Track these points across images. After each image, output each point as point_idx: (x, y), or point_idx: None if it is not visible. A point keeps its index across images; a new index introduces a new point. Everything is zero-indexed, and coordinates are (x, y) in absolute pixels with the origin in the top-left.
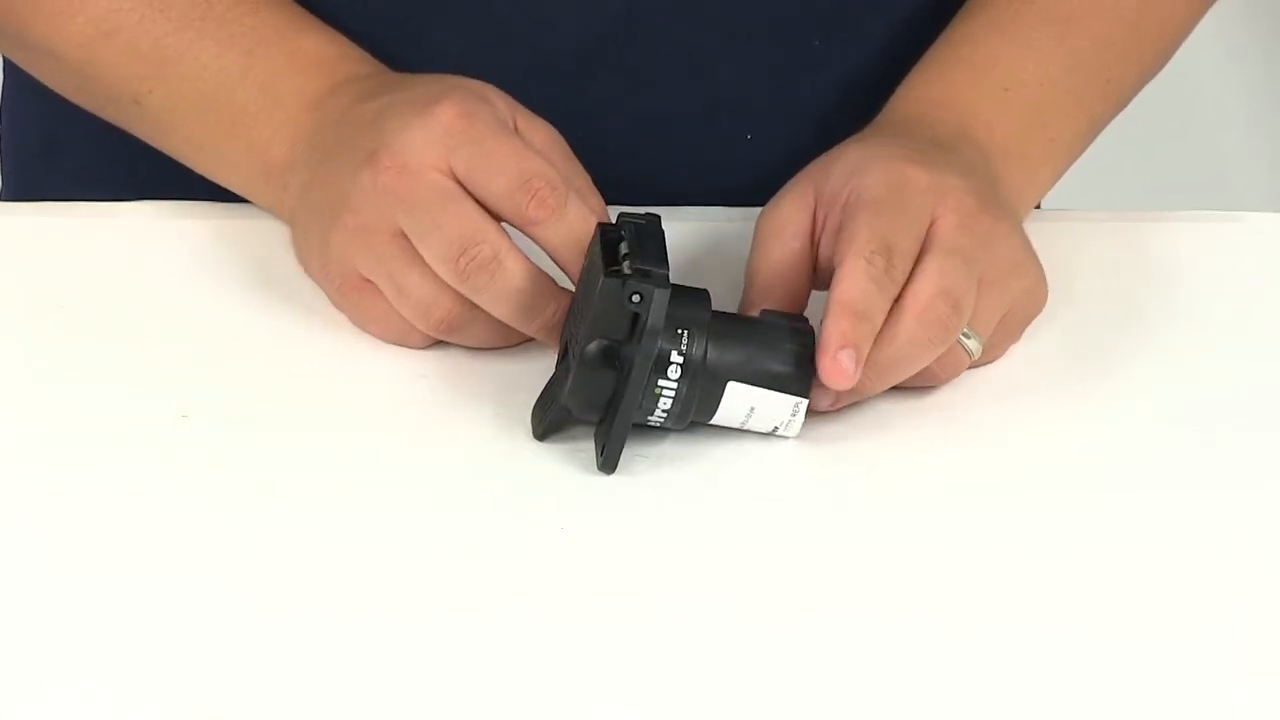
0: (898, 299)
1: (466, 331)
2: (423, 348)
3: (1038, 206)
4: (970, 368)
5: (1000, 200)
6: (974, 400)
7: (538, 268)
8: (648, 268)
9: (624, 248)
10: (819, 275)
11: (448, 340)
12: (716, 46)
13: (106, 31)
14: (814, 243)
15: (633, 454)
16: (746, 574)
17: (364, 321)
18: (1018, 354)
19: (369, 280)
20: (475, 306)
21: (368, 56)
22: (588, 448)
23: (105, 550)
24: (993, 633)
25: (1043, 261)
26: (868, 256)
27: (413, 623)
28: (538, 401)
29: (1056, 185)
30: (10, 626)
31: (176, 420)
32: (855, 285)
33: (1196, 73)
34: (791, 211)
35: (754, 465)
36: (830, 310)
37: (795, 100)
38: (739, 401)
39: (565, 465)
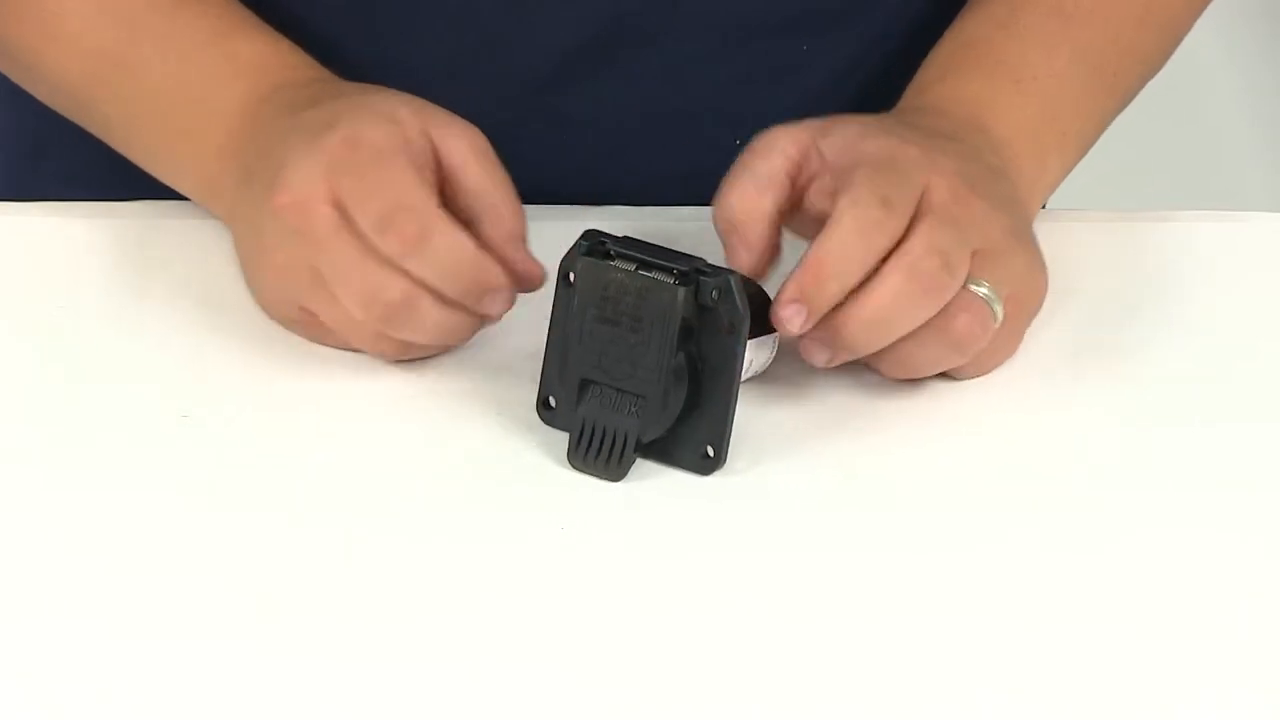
0: (886, 256)
1: (422, 350)
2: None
3: (1042, 204)
4: (972, 373)
5: (997, 191)
6: (974, 400)
7: (451, 300)
8: (693, 266)
9: (626, 264)
10: (801, 221)
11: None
12: (705, 50)
13: (53, 35)
14: (795, 173)
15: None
16: (746, 574)
17: (319, 342)
18: (1015, 353)
19: (311, 311)
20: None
21: (305, 60)
22: None
23: (105, 549)
24: (994, 632)
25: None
26: (864, 205)
27: (413, 622)
28: (580, 451)
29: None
30: (9, 625)
31: (177, 420)
32: (834, 240)
33: (1196, 73)
34: (785, 141)
35: (753, 464)
36: (801, 260)
37: (785, 103)
38: (747, 354)
39: (565, 465)
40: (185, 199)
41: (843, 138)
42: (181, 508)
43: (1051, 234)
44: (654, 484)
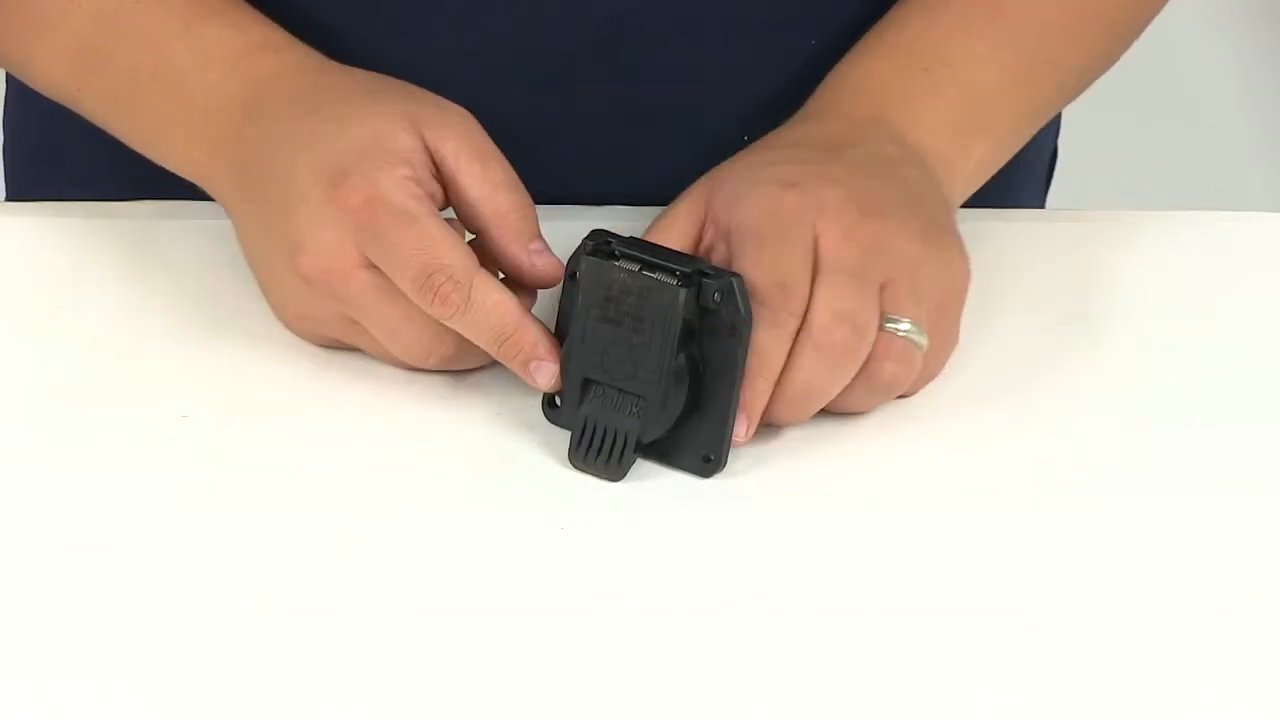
0: (799, 328)
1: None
2: None
3: (1042, 205)
4: (919, 385)
5: (894, 193)
6: (973, 400)
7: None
8: (696, 268)
9: (630, 265)
10: None
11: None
12: (708, 48)
13: (38, 32)
14: (694, 246)
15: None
16: (746, 574)
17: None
18: (1016, 353)
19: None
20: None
21: (273, 41)
22: None
23: (105, 549)
24: (994, 632)
25: (1043, 261)
26: (762, 295)
27: (413, 622)
28: (580, 450)
29: (1058, 185)
30: (9, 625)
31: (177, 420)
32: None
33: (1197, 73)
34: (681, 219)
35: (753, 465)
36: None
37: (790, 99)
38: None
39: (565, 465)
40: (186, 199)
41: (726, 197)
42: (181, 508)
43: (1051, 234)
44: (654, 484)
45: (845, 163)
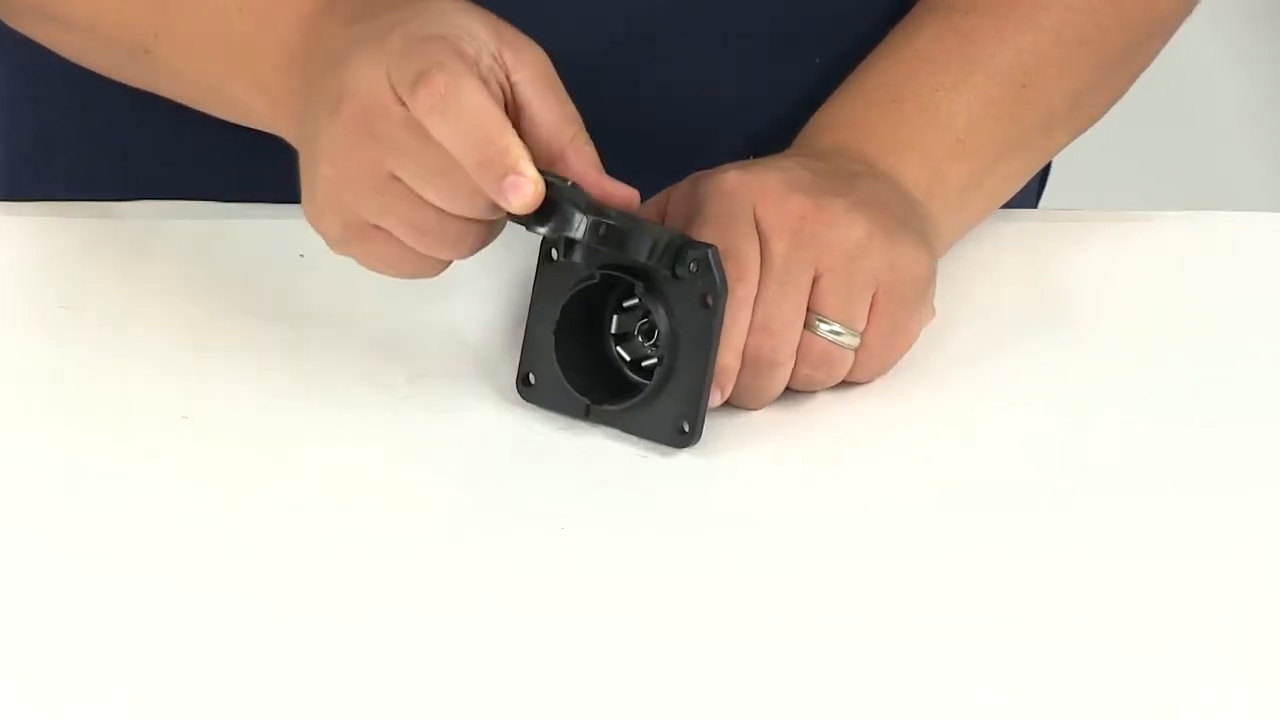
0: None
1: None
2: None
3: (1037, 204)
4: (868, 377)
5: (846, 187)
6: (968, 400)
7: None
8: (674, 237)
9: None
10: None
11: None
12: (716, 64)
13: None
14: None
15: (633, 454)
16: (746, 574)
17: (374, 264)
18: (1013, 352)
19: (376, 226)
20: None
21: None
22: (588, 446)
23: (104, 550)
24: (993, 632)
25: (1042, 261)
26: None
27: (413, 622)
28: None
29: (1057, 185)
30: (9, 626)
31: (177, 421)
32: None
33: (1197, 73)
34: (647, 210)
35: (753, 466)
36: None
37: (796, 116)
38: None
39: (565, 465)
40: (185, 199)
41: (680, 191)
42: (181, 508)
43: (1050, 234)
44: (654, 485)
45: (790, 166)
